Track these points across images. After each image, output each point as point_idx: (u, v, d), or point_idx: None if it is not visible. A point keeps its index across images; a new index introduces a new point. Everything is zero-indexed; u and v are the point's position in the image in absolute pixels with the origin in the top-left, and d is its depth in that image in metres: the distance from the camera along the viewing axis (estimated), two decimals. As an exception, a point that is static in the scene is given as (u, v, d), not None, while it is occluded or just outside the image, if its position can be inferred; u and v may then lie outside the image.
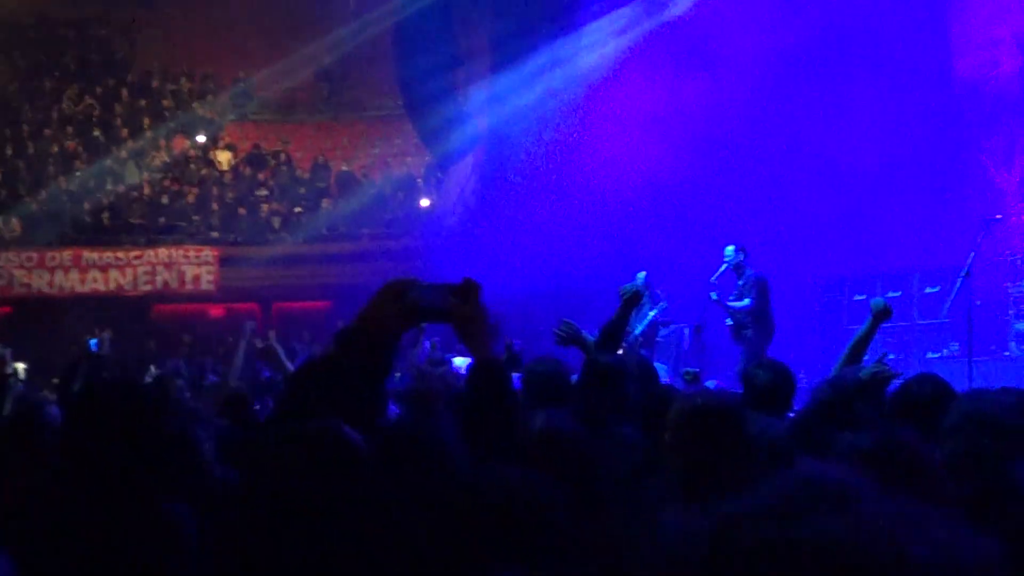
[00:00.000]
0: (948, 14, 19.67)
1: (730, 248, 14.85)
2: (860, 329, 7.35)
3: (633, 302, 7.65)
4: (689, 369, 11.83)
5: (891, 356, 16.82)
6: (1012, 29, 18.39)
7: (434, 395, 7.24)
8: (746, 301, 14.53)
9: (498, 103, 19.74)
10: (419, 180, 23.73)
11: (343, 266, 20.50)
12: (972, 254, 11.94)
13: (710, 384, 11.15)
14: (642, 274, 15.52)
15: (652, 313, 15.55)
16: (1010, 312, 16.11)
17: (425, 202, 21.29)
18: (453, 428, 3.91)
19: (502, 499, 3.00)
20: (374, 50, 19.21)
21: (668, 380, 15.30)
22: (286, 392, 4.08)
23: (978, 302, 16.28)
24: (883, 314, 7.17)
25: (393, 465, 3.66)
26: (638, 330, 15.27)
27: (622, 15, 19.86)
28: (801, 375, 17.35)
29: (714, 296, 14.63)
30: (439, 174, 22.10)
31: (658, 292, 16.01)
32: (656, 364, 16.27)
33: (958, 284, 12.13)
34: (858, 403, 5.76)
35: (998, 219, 12.94)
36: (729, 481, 3.86)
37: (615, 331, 7.34)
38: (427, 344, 14.85)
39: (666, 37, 19.54)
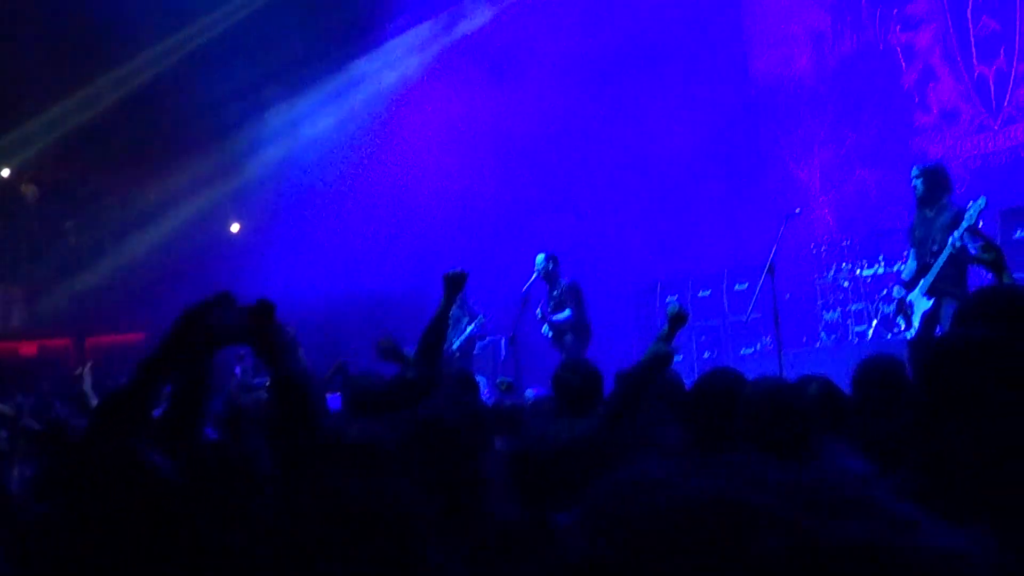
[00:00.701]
0: (742, 13, 20.01)
1: (540, 256, 14.79)
2: (659, 332, 7.24)
3: (458, 284, 7.49)
4: (504, 378, 11.74)
5: (706, 355, 17.09)
6: (805, 25, 18.78)
7: (246, 417, 7.03)
8: (567, 312, 14.50)
9: (301, 124, 19.47)
10: (227, 204, 23.33)
11: (156, 295, 19.99)
12: (773, 249, 12.07)
13: (529, 392, 11.07)
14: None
15: (470, 328, 15.47)
16: (819, 303, 16.39)
17: (235, 227, 20.85)
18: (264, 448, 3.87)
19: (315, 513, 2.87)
20: (176, 76, 18.72)
21: (487, 392, 15.35)
22: (90, 423, 4.01)
23: (787, 295, 16.55)
24: (678, 318, 7.19)
25: (203, 486, 3.51)
26: (456, 344, 15.22)
27: (421, 31, 19.76)
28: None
29: (539, 314, 14.59)
30: (247, 197, 21.69)
31: (473, 305, 15.93)
32: (476, 377, 16.33)
33: (761, 280, 12.26)
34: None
35: (797, 213, 13.14)
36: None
37: (437, 329, 7.15)
38: (237, 369, 14.57)
39: (466, 50, 19.48)
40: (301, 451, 3.65)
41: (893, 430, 4.58)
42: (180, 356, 3.59)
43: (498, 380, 11.69)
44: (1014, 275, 12.99)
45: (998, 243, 7.16)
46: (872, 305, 15.38)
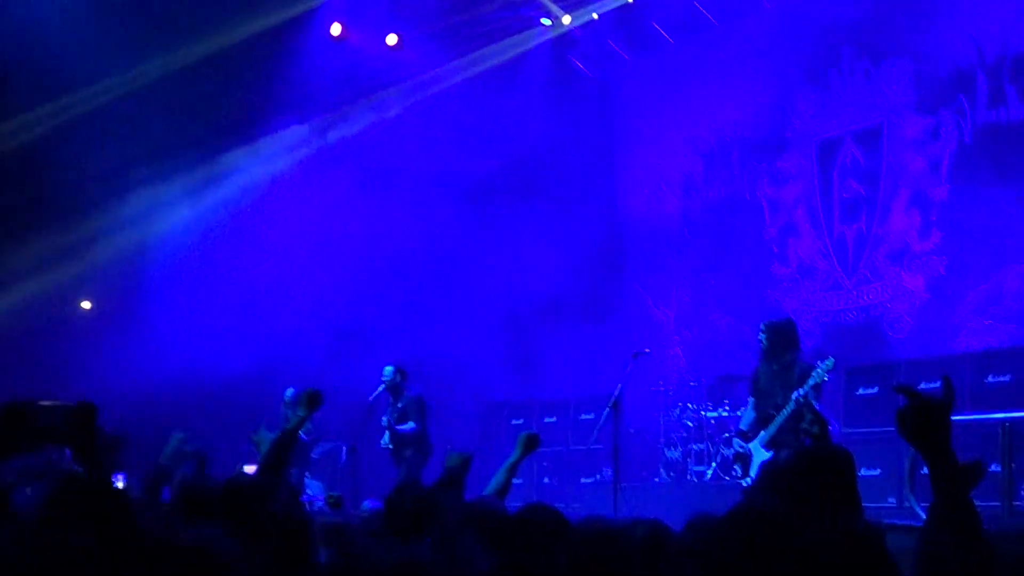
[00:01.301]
0: (615, 150, 20.33)
1: (389, 368, 14.74)
2: (509, 458, 7.47)
3: (315, 403, 7.49)
4: (332, 493, 11.57)
5: (546, 480, 17.06)
6: (678, 169, 19.12)
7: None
8: (410, 424, 14.40)
9: (163, 209, 19.17)
10: (80, 282, 22.72)
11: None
12: (619, 386, 12.15)
13: (366, 505, 10.88)
14: (290, 391, 15.35)
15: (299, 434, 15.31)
16: (661, 441, 16.47)
17: (86, 304, 20.37)
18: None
19: None
20: (40, 149, 18.32)
21: (323, 497, 15.11)
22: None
23: (632, 429, 16.63)
24: (530, 444, 7.26)
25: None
26: None
27: (295, 132, 19.72)
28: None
29: (385, 422, 14.45)
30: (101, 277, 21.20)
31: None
32: (310, 481, 16.10)
33: (605, 413, 12.33)
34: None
35: (647, 352, 13.28)
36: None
37: (287, 442, 7.17)
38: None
39: (338, 156, 19.48)
40: (121, 553, 3.48)
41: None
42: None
43: (327, 495, 11.50)
44: (856, 430, 13.30)
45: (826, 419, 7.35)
46: (714, 447, 15.48)
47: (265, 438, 7.42)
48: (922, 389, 3.39)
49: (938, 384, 10.41)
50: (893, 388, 3.69)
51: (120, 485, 12.34)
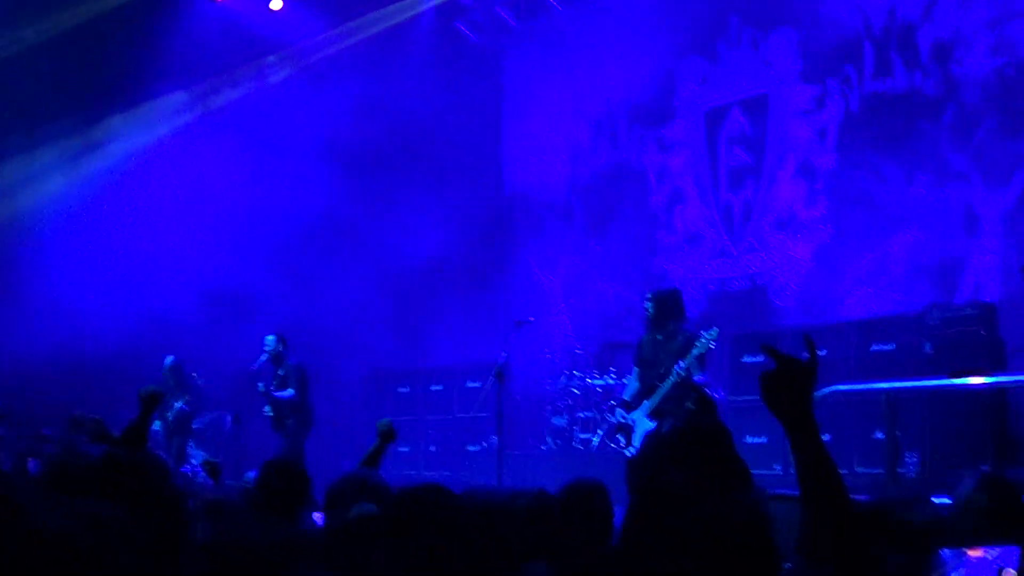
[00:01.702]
0: (503, 116, 20.23)
1: (271, 337, 14.57)
2: (371, 447, 7.52)
3: (152, 403, 7.62)
4: (210, 460, 11.37)
5: (432, 448, 16.99)
6: (564, 136, 19.07)
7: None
8: (289, 391, 14.20)
9: (39, 178, 18.69)
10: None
11: None
12: (504, 354, 12.06)
13: (250, 475, 10.70)
14: (169, 359, 15.15)
15: (179, 404, 15.15)
16: (547, 408, 16.44)
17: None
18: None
19: None
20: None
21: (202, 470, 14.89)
22: None
23: (518, 397, 16.58)
24: (388, 435, 7.25)
25: None
26: (170, 416, 14.89)
27: (176, 98, 19.29)
28: (344, 463, 17.27)
29: (261, 387, 14.22)
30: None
31: (194, 376, 15.56)
32: (195, 451, 15.86)
33: (489, 381, 12.26)
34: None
35: (530, 321, 13.21)
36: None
37: (137, 432, 7.04)
38: None
39: (221, 122, 19.10)
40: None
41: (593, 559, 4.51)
42: None
43: (204, 461, 11.28)
44: (742, 398, 13.36)
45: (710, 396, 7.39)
46: (600, 414, 15.49)
47: (98, 427, 7.36)
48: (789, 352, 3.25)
49: (823, 352, 10.45)
50: (761, 348, 3.57)
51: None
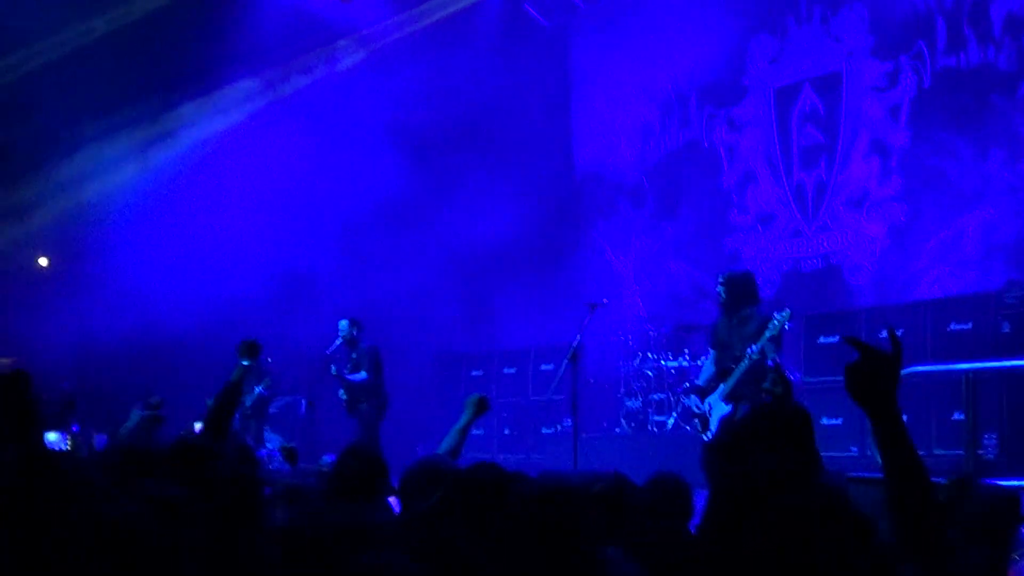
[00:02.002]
0: (571, 99, 20.18)
1: (344, 321, 14.58)
2: (459, 421, 7.50)
3: (252, 353, 7.82)
4: (287, 444, 11.50)
5: (506, 431, 17.03)
6: (633, 117, 19.00)
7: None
8: (362, 374, 14.24)
9: (117, 164, 18.92)
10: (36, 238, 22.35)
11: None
12: (577, 337, 12.03)
13: (326, 459, 10.81)
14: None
15: (258, 388, 15.29)
16: (621, 391, 16.42)
17: (43, 261, 20.11)
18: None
19: None
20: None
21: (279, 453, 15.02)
22: None
23: (591, 380, 16.58)
24: (480, 407, 7.30)
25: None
26: (247, 401, 15.05)
27: (247, 85, 19.42)
28: (418, 446, 17.37)
29: (334, 370, 14.27)
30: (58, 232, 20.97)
31: (268, 361, 15.70)
32: (271, 435, 16.03)
33: (563, 365, 12.22)
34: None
35: (604, 303, 13.14)
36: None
37: (228, 398, 7.26)
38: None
39: (293, 108, 19.23)
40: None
41: (677, 540, 4.51)
42: None
43: (281, 446, 11.40)
44: (817, 379, 13.27)
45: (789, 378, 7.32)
46: (674, 397, 15.46)
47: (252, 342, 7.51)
48: (874, 342, 3.24)
49: (899, 332, 10.33)
50: (843, 339, 3.56)
51: (66, 446, 12.25)
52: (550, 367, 16.91)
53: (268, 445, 15.73)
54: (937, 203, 14.55)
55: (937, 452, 11.61)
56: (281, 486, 6.13)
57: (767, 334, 10.10)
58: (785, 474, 3.18)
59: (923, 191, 14.77)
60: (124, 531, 3.55)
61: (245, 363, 7.58)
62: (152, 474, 5.47)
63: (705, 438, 10.56)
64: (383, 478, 6.15)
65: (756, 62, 17.24)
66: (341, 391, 14.47)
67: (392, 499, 6.35)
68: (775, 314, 10.28)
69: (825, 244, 16.10)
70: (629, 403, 16.23)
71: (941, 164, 14.57)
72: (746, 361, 10.14)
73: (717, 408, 10.43)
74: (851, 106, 15.88)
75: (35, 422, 3.43)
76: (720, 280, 10.86)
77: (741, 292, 10.65)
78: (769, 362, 10.22)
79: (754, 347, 10.10)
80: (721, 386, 10.43)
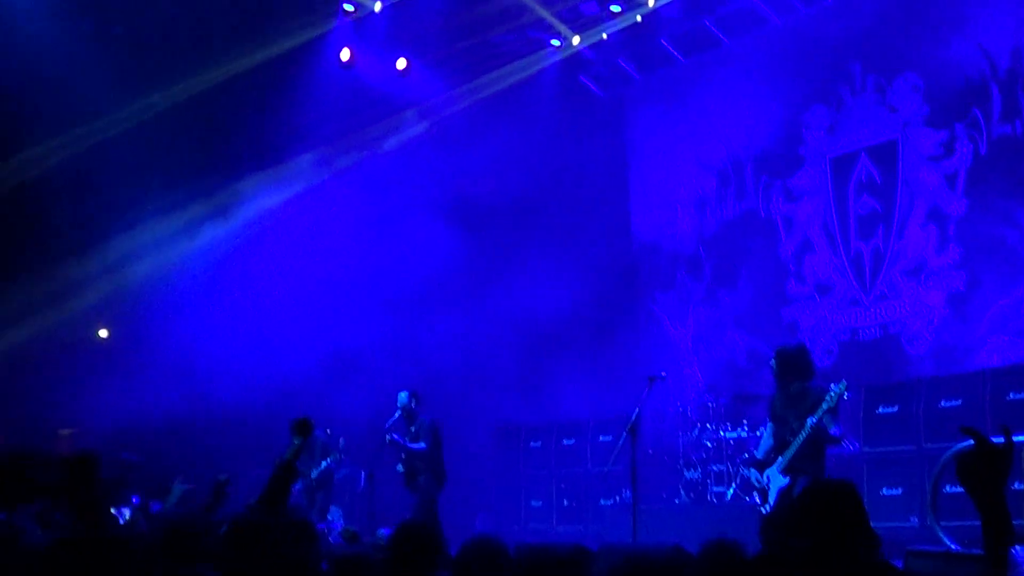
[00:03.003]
0: (629, 172, 20.27)
1: (403, 393, 14.65)
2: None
3: (304, 431, 7.93)
4: (348, 528, 11.59)
5: (566, 502, 16.96)
6: (690, 188, 19.08)
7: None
8: (421, 444, 14.27)
9: (178, 238, 19.17)
10: (97, 310, 22.60)
11: (20, 395, 19.44)
12: (636, 411, 12.04)
13: (381, 533, 10.86)
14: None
15: (325, 463, 15.38)
16: (680, 461, 16.36)
17: (103, 333, 20.37)
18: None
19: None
20: (56, 179, 18.39)
21: (341, 523, 15.10)
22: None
23: (650, 451, 16.54)
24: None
25: None
26: (313, 474, 15.12)
27: (307, 159, 19.65)
28: (478, 519, 17.31)
29: (388, 438, 14.33)
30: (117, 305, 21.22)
31: (328, 432, 15.81)
32: (332, 507, 16.10)
33: (623, 439, 12.21)
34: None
35: (663, 377, 13.13)
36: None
37: (283, 475, 7.31)
38: None
39: (351, 182, 19.44)
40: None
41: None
42: None
43: (343, 529, 11.50)
44: (877, 449, 13.18)
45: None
46: (733, 467, 15.38)
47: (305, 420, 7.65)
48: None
49: (958, 402, 10.32)
50: (960, 429, 3.63)
51: (125, 517, 12.36)
52: (608, 438, 16.90)
53: (328, 518, 15.80)
54: (996, 271, 14.49)
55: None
56: (338, 559, 6.17)
57: (824, 406, 10.09)
58: (830, 550, 3.22)
59: (981, 259, 14.71)
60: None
61: (297, 441, 7.68)
62: (205, 556, 5.53)
63: (764, 511, 10.54)
64: (438, 554, 6.18)
65: (812, 132, 17.28)
66: (399, 464, 14.51)
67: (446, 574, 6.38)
68: (832, 386, 10.27)
69: (883, 313, 16.04)
70: (688, 474, 16.15)
71: (999, 231, 14.51)
72: (804, 432, 10.14)
73: (775, 481, 10.41)
74: (907, 175, 15.87)
75: (102, 501, 3.53)
76: (773, 355, 10.89)
77: (792, 366, 10.64)
78: (832, 431, 10.22)
79: (812, 418, 10.10)
80: (779, 459, 10.42)
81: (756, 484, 10.70)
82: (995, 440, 3.34)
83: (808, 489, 4.74)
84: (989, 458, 3.22)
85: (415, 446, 14.29)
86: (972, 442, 3.37)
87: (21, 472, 3.30)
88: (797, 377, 10.58)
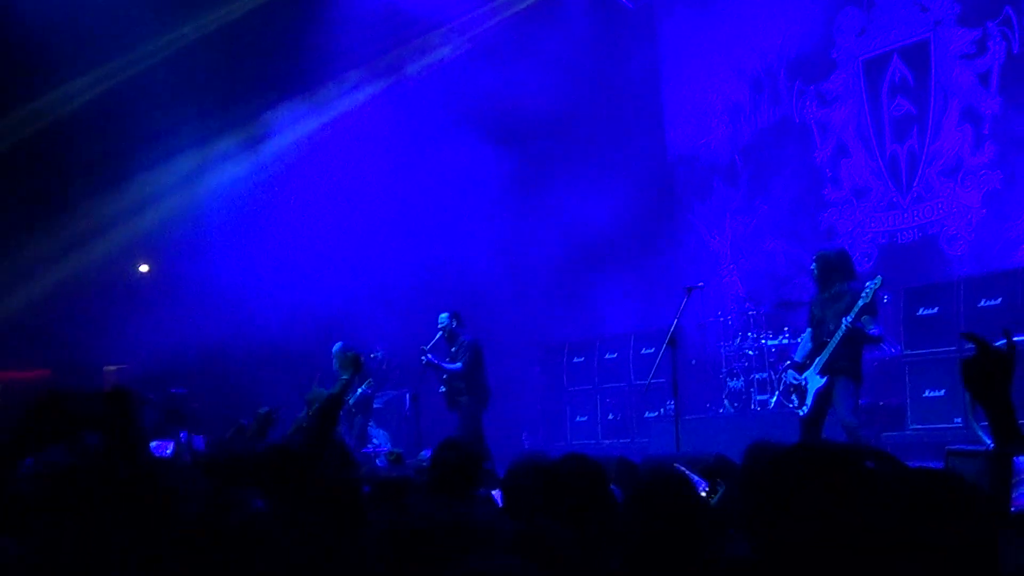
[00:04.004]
0: (661, 82, 20.19)
1: (444, 315, 14.72)
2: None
3: (358, 366, 7.97)
4: (393, 450, 11.69)
5: (610, 416, 17.07)
6: (723, 97, 18.99)
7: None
8: (457, 364, 14.35)
9: (212, 169, 19.25)
10: (136, 245, 22.73)
11: (63, 333, 19.61)
12: (674, 322, 12.11)
13: (424, 454, 10.96)
14: (338, 345, 15.44)
15: (361, 389, 15.44)
16: (723, 371, 16.43)
17: (143, 267, 20.54)
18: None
19: None
20: (86, 117, 18.42)
21: (387, 447, 15.23)
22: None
23: (693, 362, 16.63)
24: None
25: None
26: (351, 401, 15.29)
27: (345, 80, 19.63)
28: (524, 436, 17.45)
29: (423, 359, 14.41)
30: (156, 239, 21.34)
31: (374, 356, 15.92)
32: (376, 430, 16.25)
33: (662, 350, 12.30)
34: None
35: (700, 287, 13.17)
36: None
37: (333, 406, 7.42)
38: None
39: (382, 106, 19.42)
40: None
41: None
42: (30, 442, 3.47)
43: (388, 451, 11.63)
44: (918, 352, 13.19)
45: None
46: (776, 375, 15.43)
47: (318, 395, 7.60)
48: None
49: (997, 301, 10.30)
50: (961, 335, 3.69)
51: (168, 452, 12.57)
52: (651, 351, 16.98)
53: (375, 441, 15.96)
54: (1033, 168, 14.41)
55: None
56: (379, 482, 6.29)
57: (860, 303, 10.18)
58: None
59: (1017, 157, 14.59)
60: (203, 534, 3.75)
61: (345, 376, 7.74)
62: (244, 483, 5.66)
63: (801, 413, 10.64)
64: (479, 471, 6.27)
65: (844, 35, 17.13)
66: (441, 386, 14.62)
67: (496, 492, 6.47)
68: (867, 283, 10.34)
69: (921, 215, 15.97)
70: (731, 383, 16.23)
71: (1034, 129, 14.41)
72: (840, 332, 10.23)
73: (813, 382, 10.52)
74: (940, 75, 15.73)
75: (140, 438, 3.62)
76: (813, 258, 10.96)
77: (833, 268, 10.73)
78: (872, 330, 10.29)
79: (848, 317, 10.18)
80: (817, 359, 10.52)
81: (793, 381, 10.81)
82: (998, 344, 3.39)
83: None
84: (992, 362, 3.27)
85: (451, 366, 14.38)
86: (1002, 343, 3.43)
87: (57, 409, 3.39)
88: (836, 278, 10.68)
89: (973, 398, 3.33)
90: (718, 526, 4.65)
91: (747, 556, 4.11)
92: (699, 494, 4.88)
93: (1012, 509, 3.27)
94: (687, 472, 6.23)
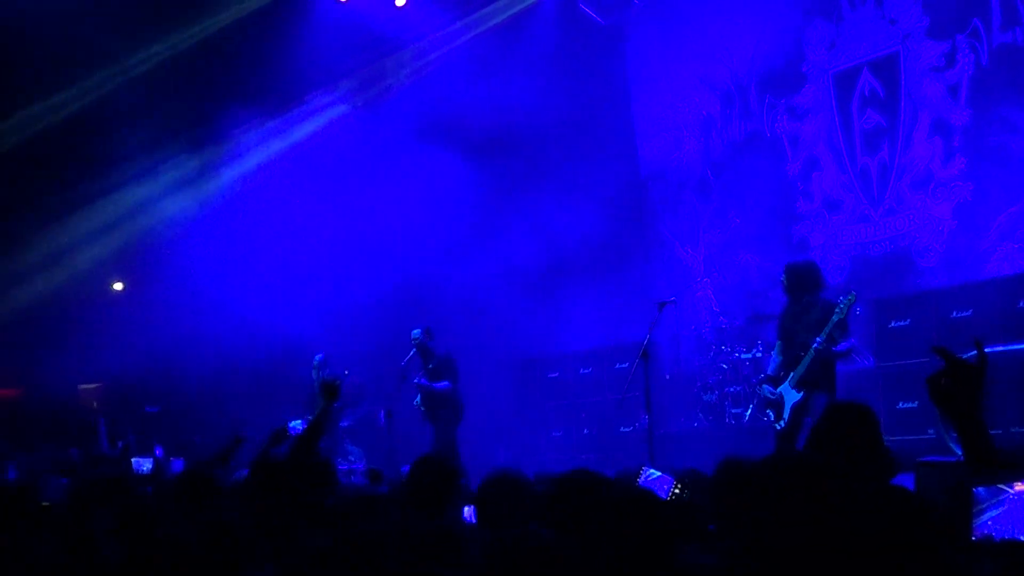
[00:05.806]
0: (632, 97, 20.21)
1: (416, 331, 14.75)
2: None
3: (335, 392, 7.99)
4: (372, 468, 11.75)
5: (586, 431, 17.05)
6: (695, 110, 19.03)
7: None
8: (445, 383, 14.40)
9: (188, 186, 19.24)
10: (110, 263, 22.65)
11: (35, 351, 19.51)
12: (647, 336, 12.13)
13: (404, 469, 10.97)
14: (318, 356, 15.49)
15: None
16: (698, 385, 16.46)
17: (118, 285, 20.47)
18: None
19: None
20: (65, 132, 18.38)
21: (362, 464, 15.22)
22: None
23: (667, 376, 16.65)
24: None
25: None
26: (344, 424, 15.29)
27: (312, 100, 19.64)
28: (498, 452, 17.41)
29: (416, 381, 14.50)
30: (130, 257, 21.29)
31: (345, 373, 15.92)
32: (351, 447, 16.22)
33: (635, 364, 12.31)
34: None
35: (673, 301, 13.18)
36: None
37: (316, 429, 7.46)
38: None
39: (362, 117, 19.46)
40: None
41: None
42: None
43: (367, 469, 11.67)
44: (890, 363, 13.23)
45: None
46: (750, 388, 15.47)
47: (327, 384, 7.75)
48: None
49: (968, 312, 10.33)
50: (932, 350, 3.62)
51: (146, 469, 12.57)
52: (625, 365, 16.96)
53: (350, 458, 15.93)
54: (1002, 180, 14.45)
55: (1014, 431, 11.56)
56: (356, 498, 6.29)
57: (833, 319, 10.22)
58: (847, 474, 3.27)
59: (988, 168, 14.67)
60: (179, 555, 3.75)
61: (325, 404, 7.79)
62: (215, 500, 5.67)
63: (778, 427, 10.66)
64: (456, 487, 6.27)
65: (814, 49, 17.20)
66: (417, 399, 14.64)
67: (468, 508, 6.46)
68: (840, 298, 10.38)
69: (892, 227, 16.03)
70: (706, 397, 16.27)
71: (1004, 140, 14.47)
72: (813, 348, 10.26)
73: (789, 396, 10.54)
74: (910, 87, 15.81)
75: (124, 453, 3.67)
76: (783, 270, 11.00)
77: (802, 281, 10.78)
78: (842, 344, 10.33)
79: (819, 338, 10.21)
80: (792, 374, 10.54)
81: (770, 396, 10.83)
82: (968, 356, 3.37)
83: (828, 411, 4.80)
84: (959, 378, 3.23)
85: (440, 386, 14.43)
86: (972, 355, 3.39)
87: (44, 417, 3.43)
88: (806, 290, 10.72)
89: (941, 414, 3.32)
90: (683, 532, 4.66)
91: (714, 564, 4.14)
92: (665, 506, 4.87)
93: (972, 537, 3.22)
94: (654, 471, 6.28)
